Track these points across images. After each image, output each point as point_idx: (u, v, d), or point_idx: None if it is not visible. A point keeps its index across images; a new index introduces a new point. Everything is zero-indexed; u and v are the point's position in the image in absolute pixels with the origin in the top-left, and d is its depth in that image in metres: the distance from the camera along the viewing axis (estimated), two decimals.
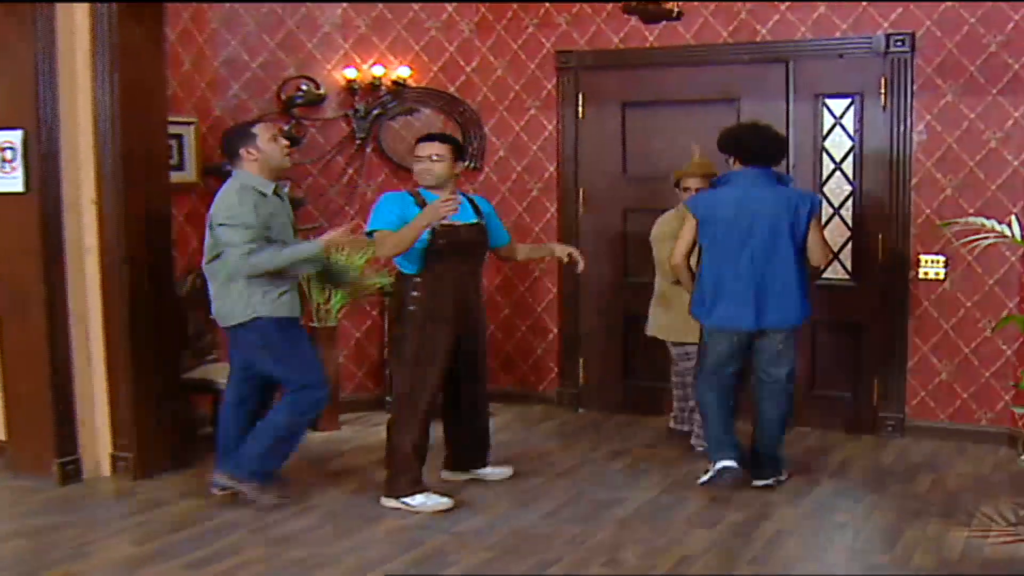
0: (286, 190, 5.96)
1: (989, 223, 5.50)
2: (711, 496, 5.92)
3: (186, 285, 6.93)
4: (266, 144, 5.67)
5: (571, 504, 5.86)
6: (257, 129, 5.72)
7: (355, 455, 6.89)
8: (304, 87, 7.63)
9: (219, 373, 6.70)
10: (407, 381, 5.81)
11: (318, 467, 6.61)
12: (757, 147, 5.95)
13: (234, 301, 5.64)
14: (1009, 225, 5.50)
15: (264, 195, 5.61)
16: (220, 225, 5.52)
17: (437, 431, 6.05)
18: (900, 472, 6.39)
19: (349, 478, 6.38)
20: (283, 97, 7.62)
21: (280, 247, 5.56)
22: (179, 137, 7.08)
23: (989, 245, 5.91)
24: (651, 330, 6.93)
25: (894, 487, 6.09)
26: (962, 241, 5.89)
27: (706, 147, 6.48)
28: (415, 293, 5.76)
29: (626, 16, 6.99)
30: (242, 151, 5.67)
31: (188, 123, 7.17)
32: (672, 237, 6.34)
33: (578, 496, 6.00)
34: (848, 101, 7.11)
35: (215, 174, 7.07)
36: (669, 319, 6.75)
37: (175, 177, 6.84)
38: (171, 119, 6.73)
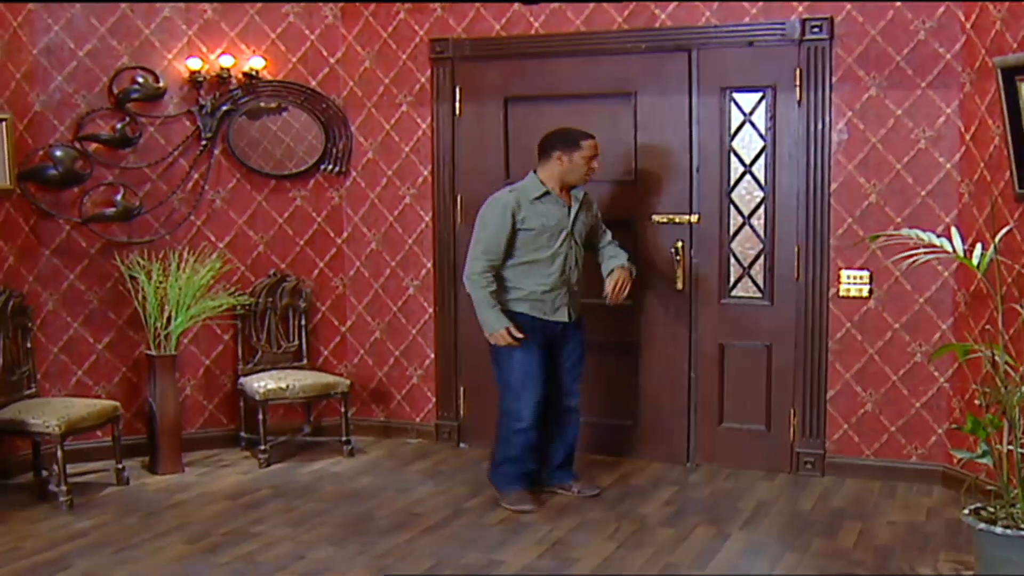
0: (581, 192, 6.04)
1: (926, 236, 4.72)
2: (602, 557, 5.18)
3: None
4: (580, 160, 5.79)
5: (436, 569, 5.03)
6: (586, 143, 5.81)
7: (192, 507, 5.98)
8: (140, 79, 6.91)
9: (34, 411, 6.03)
10: None
11: (144, 523, 5.69)
12: None
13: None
14: (948, 237, 4.72)
15: (533, 201, 5.79)
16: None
17: None
18: (822, 521, 5.73)
19: (174, 536, 5.47)
20: (115, 91, 6.89)
21: (492, 293, 5.81)
22: None
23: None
24: None
25: (816, 542, 5.41)
26: (895, 258, 5.08)
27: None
28: None
29: None
30: (556, 154, 5.80)
31: None
32: None
33: (445, 559, 5.16)
34: (759, 95, 6.61)
35: (35, 179, 6.65)
36: None
37: None
38: None
